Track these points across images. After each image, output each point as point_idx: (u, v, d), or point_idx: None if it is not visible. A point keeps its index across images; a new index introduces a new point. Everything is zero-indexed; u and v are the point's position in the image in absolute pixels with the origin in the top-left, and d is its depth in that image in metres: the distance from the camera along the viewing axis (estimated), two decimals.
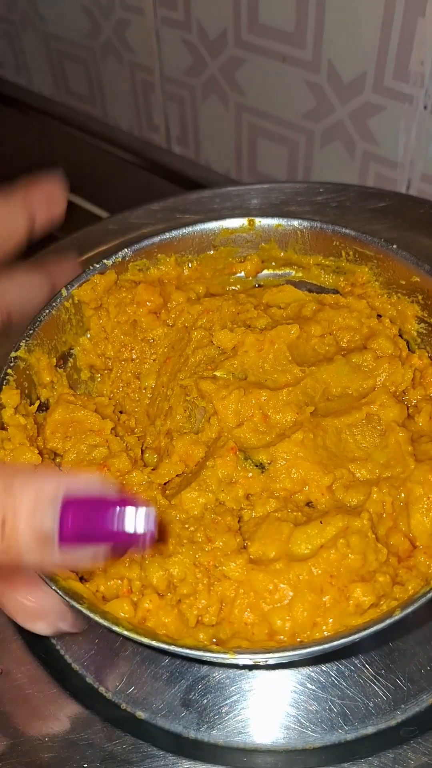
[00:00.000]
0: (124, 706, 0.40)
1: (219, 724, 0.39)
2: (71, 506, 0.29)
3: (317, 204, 0.62)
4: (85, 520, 0.29)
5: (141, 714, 0.40)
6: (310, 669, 0.41)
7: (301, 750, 0.39)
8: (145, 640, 0.34)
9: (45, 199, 0.47)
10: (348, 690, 0.40)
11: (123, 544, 0.31)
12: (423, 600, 0.35)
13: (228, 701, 0.40)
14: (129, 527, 0.30)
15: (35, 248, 0.55)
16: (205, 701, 0.40)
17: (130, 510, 0.30)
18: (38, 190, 0.47)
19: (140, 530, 0.30)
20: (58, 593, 0.35)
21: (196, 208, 0.62)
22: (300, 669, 0.41)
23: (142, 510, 0.30)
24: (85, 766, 0.37)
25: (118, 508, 0.30)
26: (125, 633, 0.35)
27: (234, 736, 0.39)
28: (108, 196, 0.86)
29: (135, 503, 0.30)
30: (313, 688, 0.40)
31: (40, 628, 0.37)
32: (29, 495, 0.29)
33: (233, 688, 0.41)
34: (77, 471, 0.45)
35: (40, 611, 0.37)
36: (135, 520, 0.30)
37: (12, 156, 0.96)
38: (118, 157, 0.94)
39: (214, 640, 0.38)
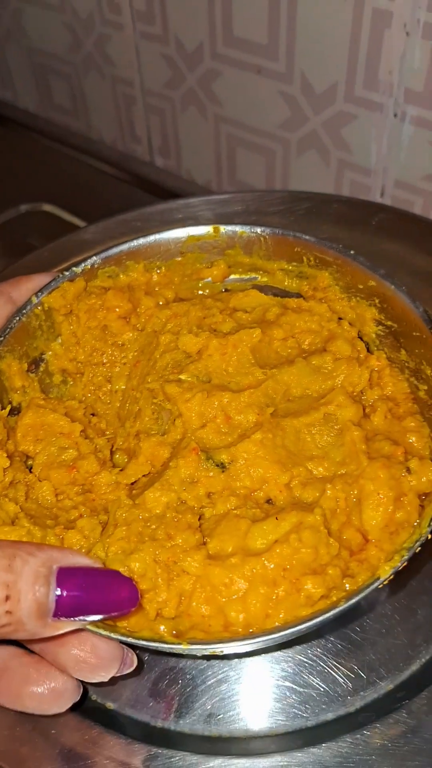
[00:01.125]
0: (93, 696, 0.41)
1: (186, 713, 0.41)
2: (65, 580, 0.33)
3: (283, 212, 0.64)
4: (79, 592, 0.34)
5: (110, 704, 0.41)
6: (273, 659, 0.43)
7: (264, 736, 0.40)
8: (104, 632, 0.36)
9: (30, 292, 0.51)
10: (310, 679, 0.42)
11: (112, 610, 0.35)
12: (367, 590, 0.37)
13: (194, 692, 0.42)
14: (116, 595, 0.34)
15: (13, 258, 0.57)
16: (173, 692, 0.42)
17: (116, 579, 0.35)
18: (25, 284, 0.50)
19: (126, 596, 0.35)
20: (113, 637, 0.37)
21: (166, 218, 0.65)
22: (263, 660, 0.43)
23: (127, 579, 0.36)
24: (56, 752, 0.38)
25: (105, 578, 0.35)
26: (88, 626, 0.36)
27: (199, 725, 0.41)
28: (91, 209, 0.88)
29: (119, 574, 0.36)
30: (276, 677, 0.42)
31: (102, 676, 0.37)
32: (29, 571, 0.32)
33: (200, 679, 0.42)
34: (48, 472, 0.47)
35: (100, 661, 0.37)
36: (121, 589, 0.35)
37: None
38: (100, 170, 0.96)
39: (174, 632, 0.39)
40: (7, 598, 0.31)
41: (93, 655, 0.36)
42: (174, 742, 0.40)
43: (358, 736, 0.39)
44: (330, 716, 0.40)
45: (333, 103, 0.74)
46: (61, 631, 0.34)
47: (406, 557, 0.38)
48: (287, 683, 0.42)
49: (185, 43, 0.83)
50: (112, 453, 0.50)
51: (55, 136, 1.03)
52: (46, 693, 0.37)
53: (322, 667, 0.42)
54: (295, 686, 0.41)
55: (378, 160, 0.75)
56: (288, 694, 0.41)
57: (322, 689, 0.41)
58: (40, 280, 0.51)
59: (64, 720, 0.40)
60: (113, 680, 0.38)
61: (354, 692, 0.41)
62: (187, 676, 0.42)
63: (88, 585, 0.34)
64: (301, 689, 0.41)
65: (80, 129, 1.07)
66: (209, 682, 0.42)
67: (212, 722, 0.41)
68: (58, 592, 0.33)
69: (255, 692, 0.41)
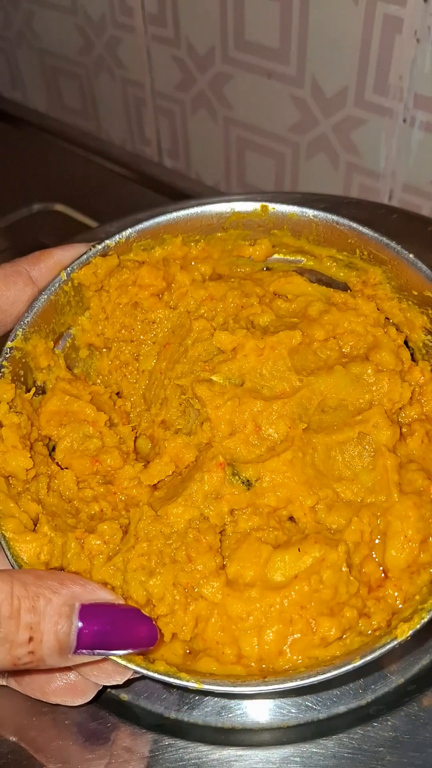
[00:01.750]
0: (108, 689, 0.42)
1: (198, 705, 0.42)
2: (87, 616, 0.35)
3: None
4: (100, 628, 0.35)
5: (124, 696, 0.42)
6: None
7: (276, 728, 0.41)
8: (121, 662, 0.37)
9: (51, 269, 0.48)
10: None
11: (130, 647, 0.36)
12: (383, 651, 0.37)
13: None
14: (136, 634, 0.36)
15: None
16: None
17: (137, 618, 0.36)
18: (45, 260, 0.48)
19: (145, 635, 0.36)
20: (130, 668, 0.38)
21: None
22: None
23: (147, 619, 0.36)
24: (70, 742, 0.39)
25: (126, 616, 0.36)
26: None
27: (212, 716, 0.42)
28: (102, 208, 0.89)
29: (139, 613, 0.37)
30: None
31: (117, 680, 0.39)
32: (51, 611, 0.33)
33: None
34: (70, 459, 0.46)
35: (115, 667, 0.38)
36: (141, 627, 0.36)
37: (8, 169, 0.99)
38: (111, 171, 0.96)
39: (188, 650, 0.40)
40: (30, 639, 0.33)
41: (109, 662, 0.38)
42: (187, 732, 0.41)
43: (369, 728, 0.40)
44: (342, 709, 0.42)
45: (343, 108, 0.74)
46: (79, 663, 0.36)
47: (426, 619, 0.38)
48: None
49: (196, 47, 0.84)
50: (135, 439, 0.49)
51: (66, 136, 1.04)
52: (69, 688, 0.38)
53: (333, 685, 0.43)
54: None
55: (387, 164, 0.75)
56: (301, 689, 0.42)
57: (334, 683, 0.42)
58: (60, 255, 0.48)
59: (80, 710, 0.41)
60: (128, 682, 0.39)
61: (365, 686, 0.42)
62: None
63: (109, 622, 0.35)
64: None
65: (90, 130, 1.08)
66: None
67: (225, 714, 0.42)
68: (80, 628, 0.34)
69: None
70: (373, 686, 0.42)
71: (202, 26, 0.82)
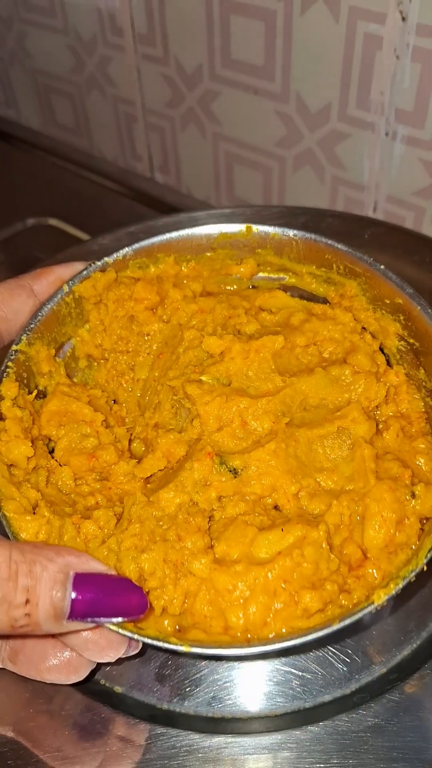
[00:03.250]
0: (102, 681, 0.44)
1: (190, 695, 0.43)
2: (80, 585, 0.36)
3: (280, 225, 0.67)
4: (92, 596, 0.36)
5: (118, 688, 0.44)
6: None
7: (264, 717, 0.43)
8: (113, 627, 0.39)
9: (52, 284, 0.52)
10: (308, 664, 0.44)
11: (122, 615, 0.38)
12: (360, 614, 0.39)
13: (198, 675, 0.44)
14: (126, 602, 0.37)
15: (21, 270, 0.59)
16: (177, 676, 0.44)
17: (128, 587, 0.38)
18: (46, 276, 0.52)
19: (136, 603, 0.38)
20: (120, 633, 0.39)
21: (170, 230, 0.67)
22: None
23: (138, 588, 0.38)
24: (66, 733, 0.41)
25: (118, 585, 0.38)
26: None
27: (203, 707, 0.43)
28: (95, 222, 0.91)
29: (130, 583, 0.39)
30: (276, 662, 0.44)
31: (110, 657, 0.40)
32: (47, 577, 0.35)
33: (203, 664, 0.45)
34: (68, 457, 0.49)
35: (108, 643, 0.40)
36: (131, 596, 0.38)
37: (3, 185, 1.01)
38: (103, 186, 0.99)
39: (177, 627, 0.42)
40: (27, 601, 0.34)
41: (102, 637, 0.39)
42: (178, 722, 0.43)
43: (354, 715, 0.41)
44: (327, 698, 0.43)
45: (327, 122, 0.77)
46: (73, 630, 0.37)
47: (400, 586, 0.40)
48: (286, 668, 0.44)
49: (185, 65, 0.86)
50: (130, 442, 0.52)
51: (59, 153, 1.07)
52: (63, 666, 0.40)
53: (320, 652, 0.44)
54: (294, 670, 0.44)
55: (370, 177, 0.78)
56: (287, 678, 0.44)
57: (319, 673, 0.44)
58: (61, 272, 0.53)
59: (75, 702, 0.42)
60: (119, 661, 0.41)
61: (350, 675, 0.44)
62: (191, 662, 0.45)
63: (102, 591, 0.37)
64: (300, 673, 0.44)
65: (83, 146, 1.10)
66: (212, 667, 0.44)
67: (215, 704, 0.43)
68: (74, 596, 0.36)
69: (255, 676, 0.44)
70: (357, 676, 0.43)
71: (190, 45, 0.84)
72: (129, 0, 0.86)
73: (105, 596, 0.37)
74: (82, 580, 0.36)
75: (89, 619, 0.37)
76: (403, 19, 0.64)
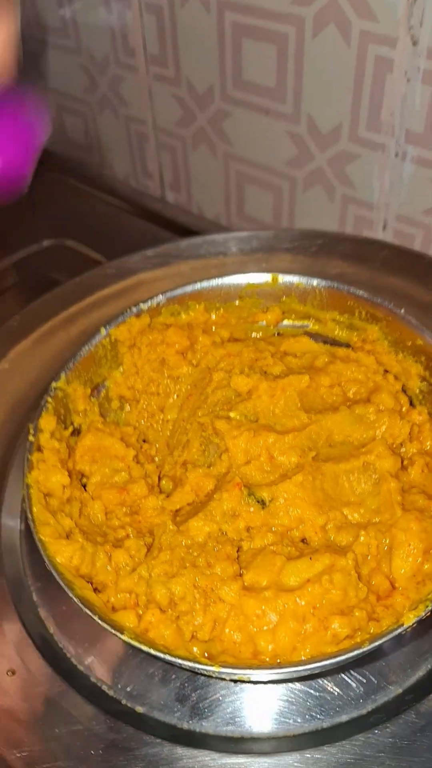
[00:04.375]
0: (124, 701, 0.45)
1: (209, 715, 0.44)
2: None
3: (297, 249, 0.69)
4: None
5: (140, 708, 0.45)
6: None
7: (282, 737, 0.43)
8: (145, 648, 0.40)
9: None
10: (325, 684, 0.45)
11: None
12: (391, 635, 0.40)
13: (217, 695, 0.45)
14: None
15: (40, 291, 0.61)
16: (197, 696, 0.45)
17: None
18: None
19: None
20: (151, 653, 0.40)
21: (187, 254, 0.69)
22: None
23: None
24: (92, 752, 0.42)
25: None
26: (129, 640, 0.41)
27: (223, 726, 0.44)
28: (107, 242, 0.93)
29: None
30: (293, 683, 0.45)
31: None
32: None
33: (221, 684, 0.45)
34: (100, 491, 0.51)
35: None
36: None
37: (17, 206, 1.02)
38: (115, 206, 1.01)
39: (206, 653, 0.43)
40: None
41: None
42: (199, 742, 0.43)
43: (371, 735, 0.42)
44: (344, 718, 0.44)
45: (337, 143, 0.78)
46: None
47: (430, 608, 0.41)
48: (303, 688, 0.45)
49: (196, 86, 0.88)
50: (159, 479, 0.54)
51: (71, 172, 1.08)
52: None
53: (337, 673, 0.45)
54: (311, 691, 0.45)
55: (380, 196, 0.79)
56: (304, 698, 0.44)
57: (336, 693, 0.44)
58: None
59: (98, 722, 0.43)
60: (144, 686, 0.42)
61: (366, 696, 0.44)
62: (210, 682, 0.45)
63: None
64: (318, 693, 0.44)
65: (94, 165, 1.12)
66: (230, 688, 0.45)
67: (234, 724, 0.44)
68: None
69: (274, 697, 0.45)
70: (373, 696, 0.44)
71: (202, 66, 0.85)
72: (141, 20, 0.88)
73: None
74: None
75: None
76: (414, 43, 0.66)
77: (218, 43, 0.82)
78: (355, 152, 0.77)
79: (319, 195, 0.84)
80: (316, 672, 0.40)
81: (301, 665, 0.40)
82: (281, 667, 0.40)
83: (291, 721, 0.44)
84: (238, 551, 0.48)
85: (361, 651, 0.39)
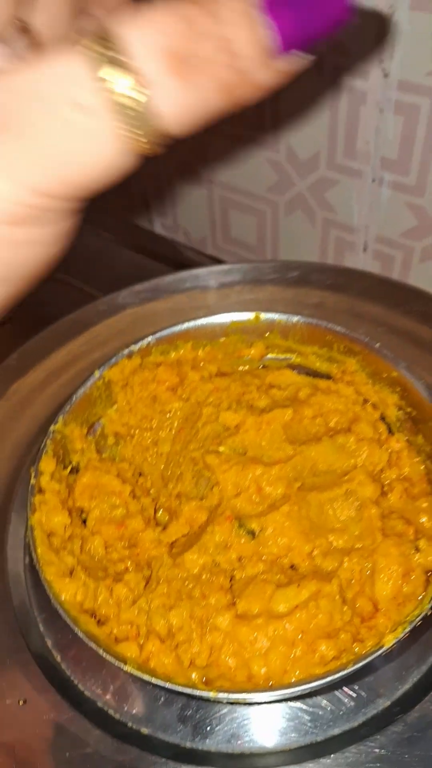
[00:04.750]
0: (130, 724, 0.47)
1: (210, 734, 0.47)
2: (273, 9, 0.27)
3: (276, 280, 0.72)
4: (292, 15, 0.27)
5: (144, 730, 0.47)
6: None
7: (279, 751, 0.46)
8: (147, 677, 0.44)
9: None
10: (318, 700, 0.48)
11: (331, 26, 0.28)
12: (372, 657, 0.44)
13: (217, 715, 0.47)
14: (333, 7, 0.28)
15: (30, 325, 0.63)
16: (198, 716, 0.47)
17: None
18: None
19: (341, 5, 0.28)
20: (153, 682, 0.43)
21: (173, 288, 0.72)
22: None
23: None
24: None
25: None
26: (132, 671, 0.44)
27: (223, 744, 0.46)
28: (97, 274, 0.95)
29: None
30: (289, 701, 0.48)
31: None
32: (235, 18, 0.26)
33: (220, 704, 0.48)
34: (100, 526, 0.54)
35: None
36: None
37: None
38: (102, 237, 1.03)
39: (204, 678, 0.46)
40: (226, 51, 0.26)
41: None
42: (202, 759, 0.46)
43: (362, 747, 0.45)
44: (336, 731, 0.46)
45: (317, 170, 0.81)
46: (287, 71, 0.28)
47: (407, 629, 0.45)
48: (298, 705, 0.47)
49: None
50: (155, 510, 0.58)
51: None
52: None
53: (329, 690, 0.48)
54: (305, 707, 0.47)
55: (360, 220, 0.82)
56: (299, 714, 0.47)
57: (329, 709, 0.47)
58: None
59: (106, 744, 0.46)
60: (148, 709, 0.45)
61: (357, 710, 0.47)
62: (210, 703, 0.48)
63: (299, 7, 0.27)
64: (311, 709, 0.47)
65: None
66: (230, 707, 0.48)
67: (234, 741, 0.47)
68: (272, 23, 0.26)
69: (270, 714, 0.47)
70: (363, 710, 0.47)
71: None
72: None
73: (305, 10, 0.27)
74: (271, 5, 0.26)
75: (299, 50, 0.27)
76: (385, 75, 0.69)
77: None
78: (334, 178, 0.81)
79: (300, 219, 0.88)
80: (307, 692, 0.43)
81: (290, 687, 0.43)
82: (273, 690, 0.44)
83: (288, 736, 0.46)
84: (231, 580, 0.51)
85: (345, 672, 0.43)
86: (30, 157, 0.24)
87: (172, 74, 0.25)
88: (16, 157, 0.24)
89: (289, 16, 0.27)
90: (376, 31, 0.68)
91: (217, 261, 1.00)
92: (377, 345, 0.59)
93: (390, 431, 0.59)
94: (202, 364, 0.64)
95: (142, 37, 0.24)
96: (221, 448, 0.57)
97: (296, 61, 0.28)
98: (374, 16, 0.67)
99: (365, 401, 0.60)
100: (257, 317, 0.64)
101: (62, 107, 0.24)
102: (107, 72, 0.24)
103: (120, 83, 0.24)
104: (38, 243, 0.27)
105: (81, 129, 0.25)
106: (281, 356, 0.66)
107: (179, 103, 0.26)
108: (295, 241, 0.91)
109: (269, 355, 0.66)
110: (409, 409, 0.58)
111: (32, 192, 0.25)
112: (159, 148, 0.28)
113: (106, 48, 0.24)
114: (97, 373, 0.60)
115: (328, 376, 0.63)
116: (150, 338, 0.62)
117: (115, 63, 0.24)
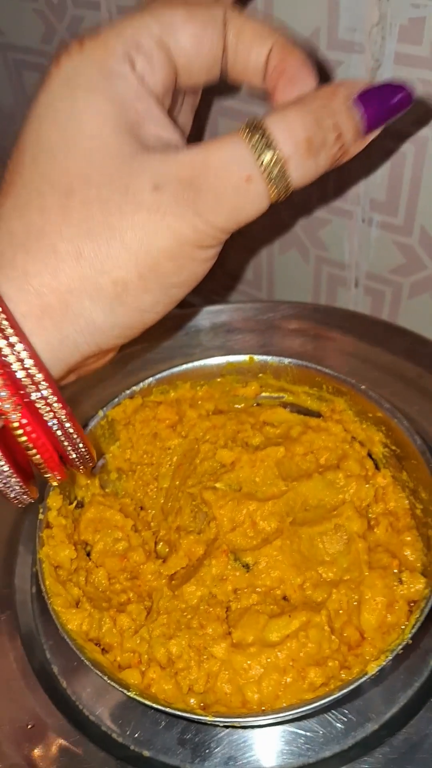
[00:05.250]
0: (132, 747, 0.50)
1: (209, 756, 0.49)
2: (363, 102, 0.38)
3: (268, 320, 0.77)
4: (376, 105, 0.39)
5: (146, 752, 0.50)
6: None
7: None
8: (149, 703, 0.47)
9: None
10: (311, 725, 0.50)
11: (400, 111, 0.40)
12: (357, 683, 0.47)
13: (216, 738, 0.50)
14: (399, 98, 0.39)
15: None
16: (197, 739, 0.50)
17: (397, 87, 0.40)
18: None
19: (406, 91, 0.39)
20: (154, 707, 0.47)
21: (168, 326, 0.76)
22: None
23: (400, 84, 0.40)
24: None
25: (389, 88, 0.39)
26: (135, 696, 0.47)
27: (221, 766, 0.49)
28: None
29: (396, 83, 0.40)
30: (284, 725, 0.51)
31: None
32: (344, 109, 0.37)
33: (219, 728, 0.51)
34: (103, 559, 0.57)
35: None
36: (401, 92, 0.39)
37: None
38: None
39: (202, 704, 0.50)
40: (338, 136, 0.37)
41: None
42: None
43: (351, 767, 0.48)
44: (328, 753, 0.49)
45: (310, 211, 0.84)
46: (368, 141, 0.40)
47: (390, 657, 0.48)
48: (293, 729, 0.50)
49: None
50: (156, 543, 0.61)
51: None
52: None
53: (321, 713, 0.51)
54: (299, 730, 0.50)
55: (351, 257, 0.85)
56: (294, 737, 0.50)
57: (321, 732, 0.50)
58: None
59: (108, 767, 0.48)
60: (149, 733, 0.47)
61: (347, 732, 0.50)
62: (209, 727, 0.51)
63: (379, 98, 0.39)
64: (305, 733, 0.50)
65: None
66: (228, 731, 0.50)
67: (231, 764, 0.49)
68: (362, 111, 0.38)
69: (266, 737, 0.50)
70: (353, 733, 0.50)
71: None
72: None
73: (383, 101, 0.39)
74: (362, 98, 0.38)
75: (378, 127, 0.39)
76: None
77: None
78: (326, 218, 0.84)
79: (294, 256, 0.91)
80: (298, 716, 0.46)
81: (282, 712, 0.47)
82: (265, 715, 0.47)
83: (283, 759, 0.49)
84: (227, 611, 0.54)
85: (332, 698, 0.46)
86: (217, 210, 0.36)
87: (304, 156, 0.36)
88: (208, 209, 0.36)
89: (374, 105, 0.38)
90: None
91: (213, 298, 1.03)
92: (363, 387, 0.62)
93: (377, 467, 0.62)
94: (200, 403, 0.68)
95: (285, 131, 0.35)
96: (218, 485, 0.60)
97: (375, 133, 0.40)
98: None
99: (353, 439, 0.64)
100: (251, 359, 0.68)
101: (238, 180, 0.35)
102: (264, 155, 0.35)
103: (271, 166, 0.35)
104: (208, 260, 0.40)
105: (248, 195, 0.36)
106: (274, 395, 0.69)
107: (306, 173, 0.37)
108: (289, 277, 0.94)
109: (263, 394, 0.70)
110: (393, 447, 0.62)
111: (216, 229, 0.37)
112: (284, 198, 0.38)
113: (261, 137, 0.35)
114: (101, 413, 0.63)
115: (318, 414, 0.67)
116: (151, 379, 0.66)
117: (269, 148, 0.35)
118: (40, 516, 0.56)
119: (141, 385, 0.65)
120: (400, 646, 0.48)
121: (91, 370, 0.43)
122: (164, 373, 0.66)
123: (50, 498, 0.57)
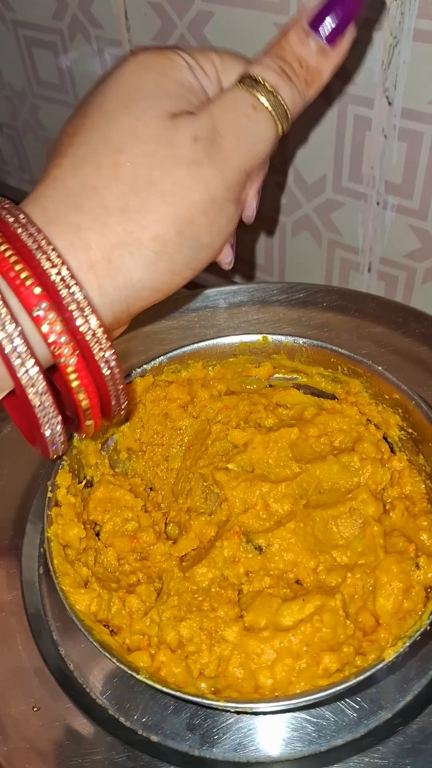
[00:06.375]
0: (140, 731, 0.49)
1: (218, 743, 0.48)
2: (316, 24, 0.42)
3: (283, 301, 0.74)
4: (333, 24, 0.42)
5: (154, 738, 0.49)
6: None
7: (284, 761, 0.47)
8: (158, 686, 0.45)
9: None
10: (322, 711, 0.49)
11: (354, 17, 0.43)
12: (374, 670, 0.45)
13: (224, 724, 0.49)
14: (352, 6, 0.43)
15: None
16: (206, 725, 0.49)
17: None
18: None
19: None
20: (165, 692, 0.45)
21: (183, 307, 0.74)
22: None
23: None
24: None
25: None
26: (144, 679, 0.45)
27: (230, 752, 0.48)
28: None
29: None
30: (294, 711, 0.49)
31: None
32: (297, 40, 0.42)
33: (228, 714, 0.49)
34: (113, 539, 0.55)
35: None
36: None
37: None
38: None
39: (213, 689, 0.48)
40: (300, 64, 0.42)
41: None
42: (209, 767, 0.47)
43: (364, 757, 0.46)
44: (340, 742, 0.48)
45: (323, 193, 0.83)
46: (339, 59, 0.44)
47: (407, 644, 0.46)
48: (303, 715, 0.49)
49: None
50: (166, 524, 0.59)
51: None
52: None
53: (333, 701, 0.49)
54: (310, 718, 0.49)
55: (364, 241, 0.83)
56: (304, 724, 0.48)
57: (332, 719, 0.49)
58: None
59: (118, 751, 0.47)
60: (158, 717, 0.46)
61: (359, 721, 0.48)
62: (218, 713, 0.49)
63: (330, 15, 0.42)
64: (316, 720, 0.49)
65: None
66: (236, 717, 0.49)
67: (240, 750, 0.48)
68: (326, 30, 0.42)
69: (276, 724, 0.49)
70: (365, 721, 0.48)
71: None
72: None
73: (334, 15, 0.42)
74: (314, 24, 0.42)
75: (338, 41, 0.42)
76: (389, 103, 0.70)
77: None
78: (339, 201, 0.82)
79: (307, 239, 0.89)
80: (311, 703, 0.44)
81: (295, 698, 0.45)
82: (278, 701, 0.45)
83: (292, 746, 0.48)
84: (238, 594, 0.52)
85: (347, 684, 0.44)
86: (238, 146, 0.40)
87: (288, 82, 0.41)
88: (231, 147, 0.40)
89: (327, 22, 0.42)
90: (381, 60, 0.69)
91: (227, 279, 1.01)
92: (380, 368, 0.60)
93: (392, 451, 0.61)
94: (211, 383, 0.66)
95: (264, 71, 0.41)
96: (230, 465, 0.58)
97: (343, 43, 0.43)
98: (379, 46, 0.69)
99: (368, 421, 0.62)
100: (265, 339, 0.66)
101: (246, 110, 0.40)
102: (258, 89, 0.41)
103: (266, 95, 0.41)
104: (232, 219, 0.43)
105: (258, 123, 0.41)
106: (288, 376, 0.67)
107: (294, 97, 0.42)
108: (301, 260, 0.92)
109: (276, 375, 0.67)
110: (410, 430, 0.60)
111: (238, 171, 0.40)
112: (286, 132, 0.43)
113: (250, 80, 0.41)
114: None
115: (333, 397, 0.65)
116: (162, 357, 0.64)
117: (259, 83, 0.41)
118: (49, 494, 0.54)
119: (152, 363, 0.63)
120: (418, 632, 0.47)
121: None
122: (176, 352, 0.64)
123: (59, 476, 0.55)
